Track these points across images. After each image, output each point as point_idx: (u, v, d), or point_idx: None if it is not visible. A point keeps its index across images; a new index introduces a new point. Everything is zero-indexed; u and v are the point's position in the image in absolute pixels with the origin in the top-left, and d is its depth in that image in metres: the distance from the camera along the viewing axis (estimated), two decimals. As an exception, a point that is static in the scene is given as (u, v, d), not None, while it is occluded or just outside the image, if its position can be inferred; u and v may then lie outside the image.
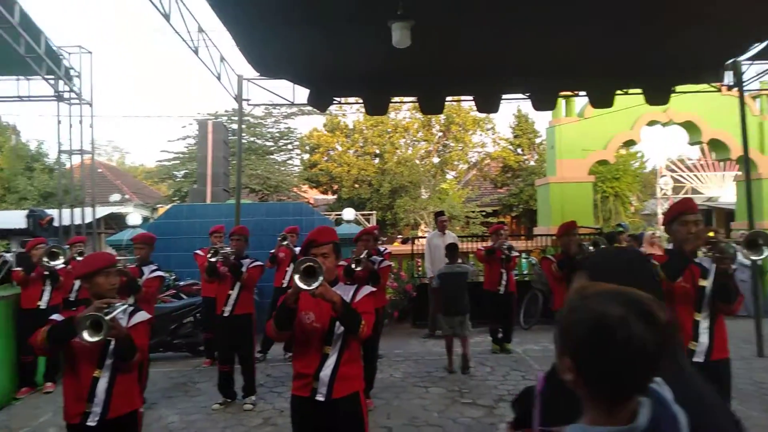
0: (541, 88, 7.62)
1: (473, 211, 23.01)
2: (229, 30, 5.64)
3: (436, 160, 25.21)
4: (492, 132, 24.74)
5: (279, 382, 6.25)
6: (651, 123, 11.07)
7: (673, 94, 7.96)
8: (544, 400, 1.37)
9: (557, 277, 5.09)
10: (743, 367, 6.34)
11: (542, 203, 11.93)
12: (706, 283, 3.05)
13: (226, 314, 5.45)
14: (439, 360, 7.04)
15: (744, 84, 7.61)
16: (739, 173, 13.94)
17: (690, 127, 11.06)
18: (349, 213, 10.14)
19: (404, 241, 13.20)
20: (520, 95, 8.01)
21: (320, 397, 2.76)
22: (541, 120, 43.30)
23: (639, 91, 7.75)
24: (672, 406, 1.03)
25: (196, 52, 6.24)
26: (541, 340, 8.06)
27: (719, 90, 8.39)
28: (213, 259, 5.42)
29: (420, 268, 9.82)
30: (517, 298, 8.89)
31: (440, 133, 24.47)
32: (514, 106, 35.37)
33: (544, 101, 7.85)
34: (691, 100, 9.80)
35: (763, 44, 6.67)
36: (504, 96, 7.82)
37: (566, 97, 9.51)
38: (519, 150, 24.97)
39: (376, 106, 7.64)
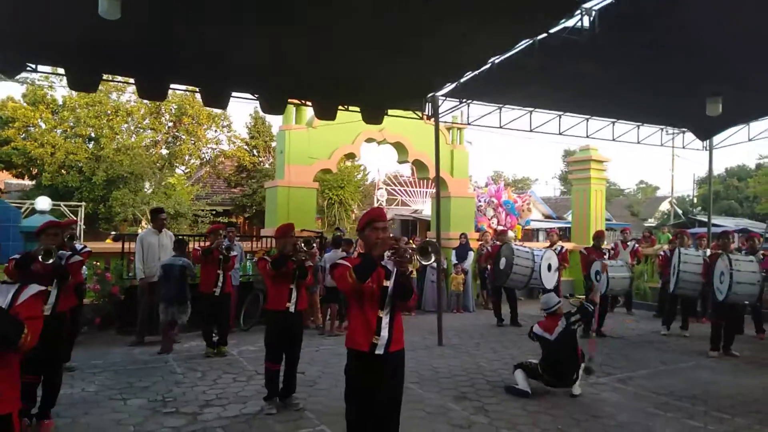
0: (269, 92, 7.71)
1: (203, 210, 22.12)
2: None
3: (164, 151, 23.46)
4: (228, 130, 24.24)
5: None
6: (369, 140, 12.27)
7: (386, 117, 8.98)
8: None
9: (270, 275, 5.18)
10: (426, 354, 7.42)
11: (270, 205, 12.10)
12: (389, 284, 3.44)
13: None
14: (144, 369, 6.49)
15: (440, 116, 9.01)
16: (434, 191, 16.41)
17: (399, 147, 12.62)
18: (43, 202, 8.64)
19: (116, 238, 11.86)
20: (249, 95, 7.97)
21: (-48, 428, 2.20)
22: (277, 124, 44.25)
23: (357, 109, 8.50)
24: None
25: None
26: (258, 341, 8.04)
27: (422, 118, 9.79)
28: None
29: (132, 269, 8.91)
30: (237, 298, 8.82)
31: (170, 123, 22.86)
32: (250, 105, 35.42)
33: (272, 105, 7.98)
34: (402, 124, 11.19)
35: (453, 85, 8.02)
36: (233, 93, 7.68)
37: (295, 104, 9.84)
38: (255, 151, 25.00)
39: (83, 82, 6.64)
